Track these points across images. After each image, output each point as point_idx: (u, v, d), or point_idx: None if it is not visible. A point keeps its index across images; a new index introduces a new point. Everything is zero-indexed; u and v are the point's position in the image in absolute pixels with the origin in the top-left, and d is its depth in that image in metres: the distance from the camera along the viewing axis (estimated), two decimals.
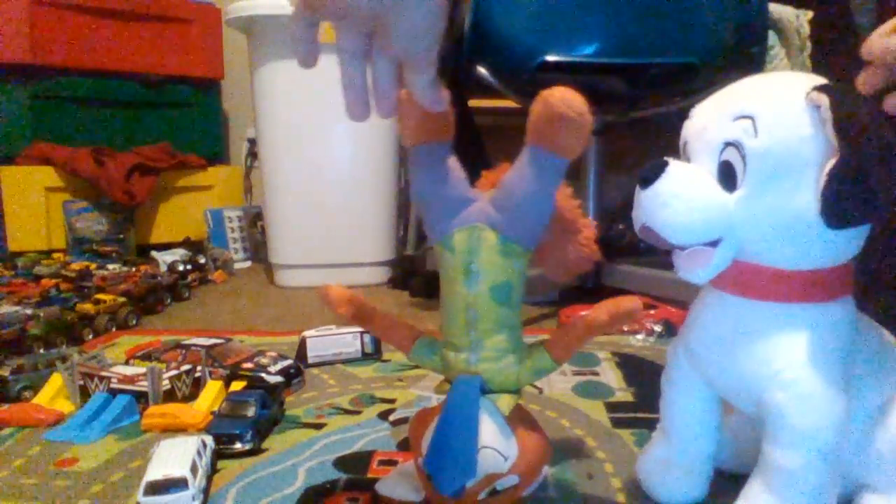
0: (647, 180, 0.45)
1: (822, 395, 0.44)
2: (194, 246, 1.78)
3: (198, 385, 0.81)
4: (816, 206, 0.41)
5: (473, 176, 0.54)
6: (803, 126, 0.42)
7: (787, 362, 0.45)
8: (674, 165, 0.45)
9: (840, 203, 0.40)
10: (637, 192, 0.47)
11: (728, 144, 0.45)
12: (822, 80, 0.43)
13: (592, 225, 0.54)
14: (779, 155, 0.43)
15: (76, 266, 1.46)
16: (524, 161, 0.48)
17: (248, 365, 0.83)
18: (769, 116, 0.43)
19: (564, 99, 0.45)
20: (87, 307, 1.13)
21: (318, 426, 0.73)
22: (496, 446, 0.49)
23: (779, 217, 0.44)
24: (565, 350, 0.52)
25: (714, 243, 0.45)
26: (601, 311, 0.50)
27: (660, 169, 0.45)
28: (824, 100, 0.41)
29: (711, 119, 0.47)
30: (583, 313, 0.52)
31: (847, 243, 0.45)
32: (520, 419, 0.52)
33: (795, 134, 0.42)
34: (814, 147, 0.42)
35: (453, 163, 0.51)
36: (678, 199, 0.45)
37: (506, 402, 0.51)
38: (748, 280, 0.47)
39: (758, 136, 0.43)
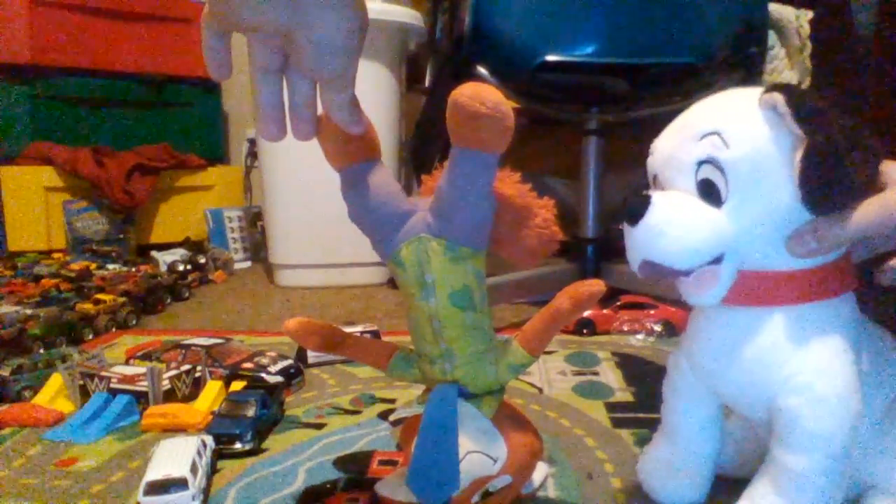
0: (636, 216, 0.45)
1: (837, 398, 0.44)
2: (194, 246, 1.78)
3: (198, 385, 0.81)
4: (798, 197, 0.42)
5: None
6: (767, 127, 0.43)
7: (798, 366, 0.45)
8: (657, 195, 0.45)
9: (818, 187, 0.41)
10: (627, 230, 0.46)
11: (702, 163, 0.45)
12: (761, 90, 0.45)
13: (550, 205, 0.52)
14: (754, 160, 0.43)
15: (76, 266, 1.46)
16: (453, 163, 0.47)
17: (248, 365, 0.83)
18: (735, 127, 0.44)
19: (475, 96, 0.43)
20: (87, 307, 1.13)
21: (318, 426, 0.73)
22: (482, 449, 0.49)
23: (771, 218, 0.44)
24: (538, 342, 0.52)
25: (718, 260, 0.45)
26: (564, 297, 0.50)
27: (645, 202, 0.45)
28: (778, 97, 0.42)
29: (676, 145, 0.47)
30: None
31: None
32: (507, 418, 0.52)
33: (763, 136, 0.43)
34: (782, 144, 0.43)
35: (386, 178, 0.50)
36: (673, 226, 0.44)
37: (488, 403, 0.51)
38: (754, 288, 0.46)
39: (730, 147, 0.44)
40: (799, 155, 0.41)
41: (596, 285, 0.49)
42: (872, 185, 0.42)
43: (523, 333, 0.52)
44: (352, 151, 0.49)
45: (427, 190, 0.53)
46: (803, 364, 0.45)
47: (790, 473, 0.45)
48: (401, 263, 0.50)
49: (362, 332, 0.96)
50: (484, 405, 0.51)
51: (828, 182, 0.41)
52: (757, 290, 0.46)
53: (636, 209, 0.45)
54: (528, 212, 0.51)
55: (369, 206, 0.50)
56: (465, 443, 0.49)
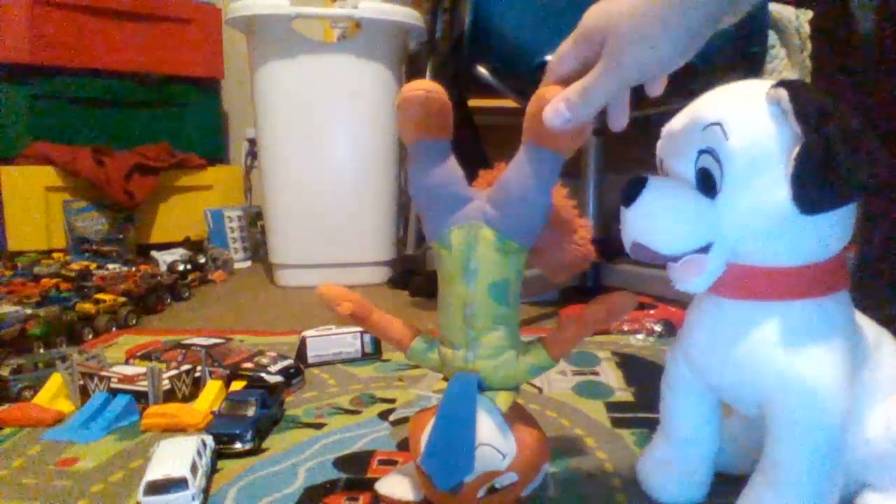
0: (630, 198, 0.46)
1: (827, 394, 0.44)
2: (194, 246, 1.78)
3: (198, 385, 0.81)
4: (790, 195, 0.42)
5: (471, 176, 0.54)
6: (769, 122, 0.44)
7: (787, 361, 0.45)
8: (653, 179, 0.46)
9: (809, 187, 0.41)
10: (622, 211, 0.47)
11: (702, 152, 0.45)
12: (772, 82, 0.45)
13: (588, 225, 0.54)
14: (751, 153, 0.44)
15: (76, 266, 1.46)
16: (521, 159, 0.49)
17: (248, 365, 0.83)
18: (736, 119, 0.44)
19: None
20: (87, 307, 1.13)
21: (318, 426, 0.73)
22: (494, 443, 0.50)
23: (762, 214, 0.44)
24: (563, 347, 0.53)
25: (705, 249, 0.46)
26: (597, 307, 0.51)
27: (640, 185, 0.46)
28: (783, 93, 0.43)
29: (682, 132, 0.47)
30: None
31: (833, 233, 0.45)
32: (518, 417, 0.52)
33: (763, 131, 0.44)
34: (782, 141, 0.43)
35: (452, 161, 0.51)
36: (663, 210, 0.45)
37: (504, 399, 0.51)
38: (744, 281, 0.47)
39: (729, 139, 0.44)
40: (794, 153, 0.42)
41: (628, 297, 0.51)
42: (868, 189, 0.42)
43: (550, 338, 0.53)
44: (427, 127, 0.50)
45: (482, 183, 0.54)
46: (793, 359, 0.45)
47: (782, 468, 0.45)
48: (448, 245, 0.51)
49: (362, 332, 0.96)
50: (500, 400, 0.51)
51: (820, 183, 0.41)
52: (748, 284, 0.47)
53: (631, 191, 0.46)
54: (569, 226, 0.53)
55: (431, 183, 0.51)
56: (478, 434, 0.49)
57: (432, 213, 0.51)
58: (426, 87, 0.49)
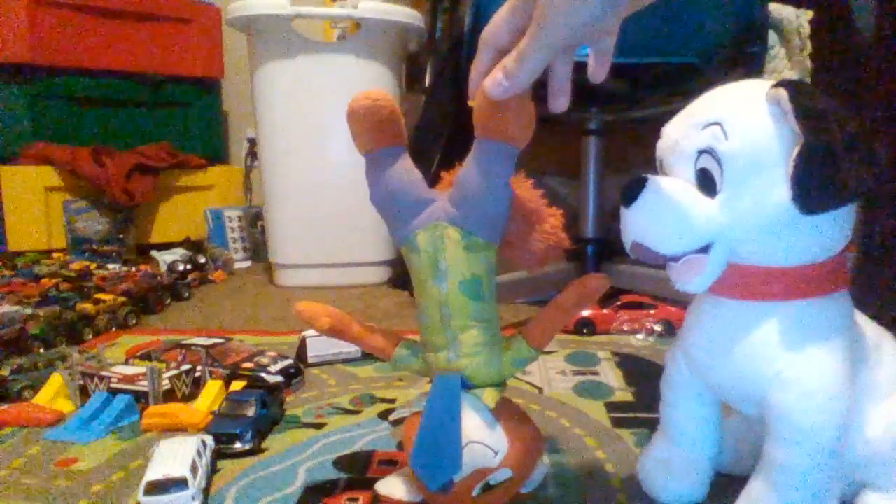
0: (630, 197, 0.46)
1: (825, 393, 0.45)
2: (194, 246, 1.78)
3: (198, 385, 0.81)
4: (790, 195, 0.42)
5: None
6: (769, 122, 0.44)
7: (787, 361, 0.45)
8: (653, 179, 0.46)
9: (809, 188, 0.41)
10: (622, 211, 0.47)
11: (702, 152, 0.46)
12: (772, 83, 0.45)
13: (559, 213, 0.54)
14: (751, 153, 0.44)
15: (76, 266, 1.46)
16: (474, 155, 0.49)
17: (248, 365, 0.83)
18: (736, 119, 0.44)
19: None
20: (87, 307, 1.13)
21: (318, 426, 0.73)
22: (484, 440, 0.50)
23: (762, 214, 0.44)
24: (542, 335, 0.53)
25: (705, 249, 0.46)
26: (569, 291, 0.52)
27: (640, 185, 0.46)
28: (783, 93, 0.43)
29: (682, 132, 0.47)
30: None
31: (833, 233, 0.45)
32: (508, 413, 0.53)
33: (763, 131, 0.44)
34: (782, 141, 0.43)
35: (409, 164, 0.51)
36: (663, 210, 0.45)
37: (490, 395, 0.51)
38: (743, 281, 0.47)
39: (728, 139, 0.44)
40: (794, 153, 0.42)
41: (600, 279, 0.52)
42: (868, 189, 0.42)
43: (528, 328, 0.53)
44: (379, 136, 0.50)
45: (446, 185, 0.54)
46: (793, 360, 0.45)
47: (782, 468, 0.45)
48: (416, 248, 0.51)
49: None
50: (486, 397, 0.51)
51: (820, 184, 0.41)
52: (748, 284, 0.47)
53: (631, 191, 0.46)
54: (538, 216, 0.53)
55: (391, 189, 0.51)
56: (466, 432, 0.49)
57: (396, 219, 0.51)
58: (372, 96, 0.49)
